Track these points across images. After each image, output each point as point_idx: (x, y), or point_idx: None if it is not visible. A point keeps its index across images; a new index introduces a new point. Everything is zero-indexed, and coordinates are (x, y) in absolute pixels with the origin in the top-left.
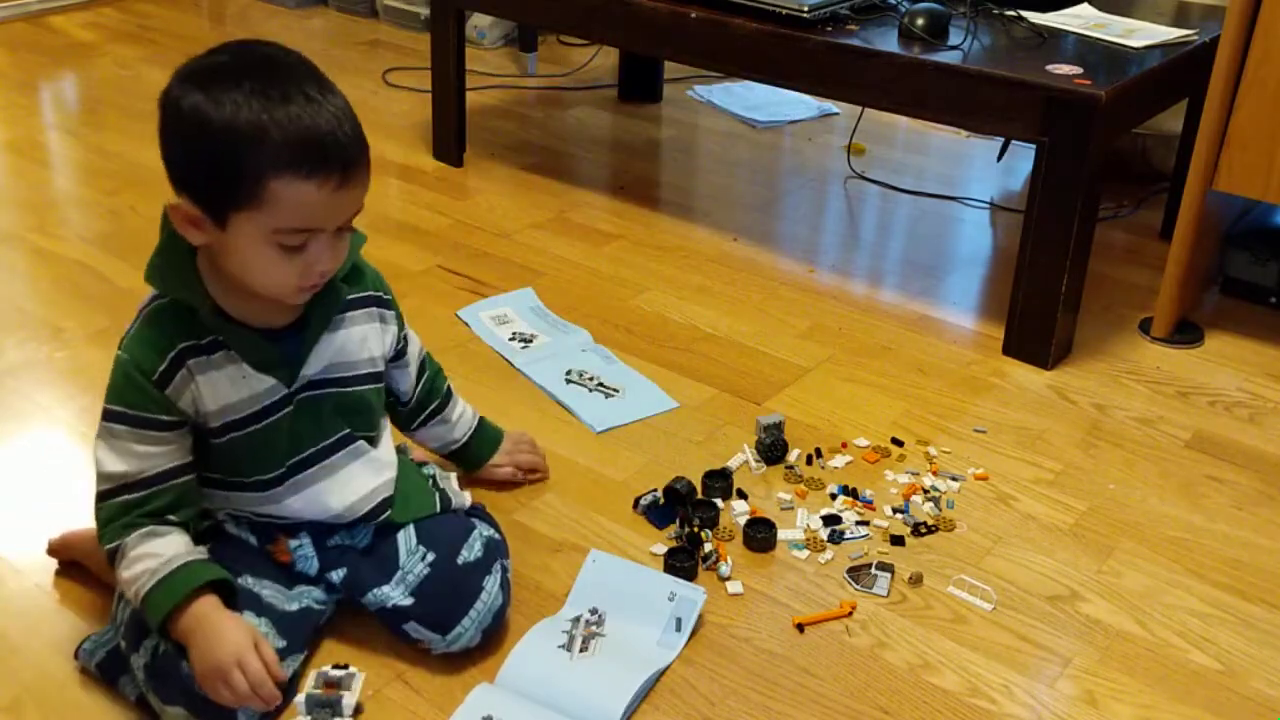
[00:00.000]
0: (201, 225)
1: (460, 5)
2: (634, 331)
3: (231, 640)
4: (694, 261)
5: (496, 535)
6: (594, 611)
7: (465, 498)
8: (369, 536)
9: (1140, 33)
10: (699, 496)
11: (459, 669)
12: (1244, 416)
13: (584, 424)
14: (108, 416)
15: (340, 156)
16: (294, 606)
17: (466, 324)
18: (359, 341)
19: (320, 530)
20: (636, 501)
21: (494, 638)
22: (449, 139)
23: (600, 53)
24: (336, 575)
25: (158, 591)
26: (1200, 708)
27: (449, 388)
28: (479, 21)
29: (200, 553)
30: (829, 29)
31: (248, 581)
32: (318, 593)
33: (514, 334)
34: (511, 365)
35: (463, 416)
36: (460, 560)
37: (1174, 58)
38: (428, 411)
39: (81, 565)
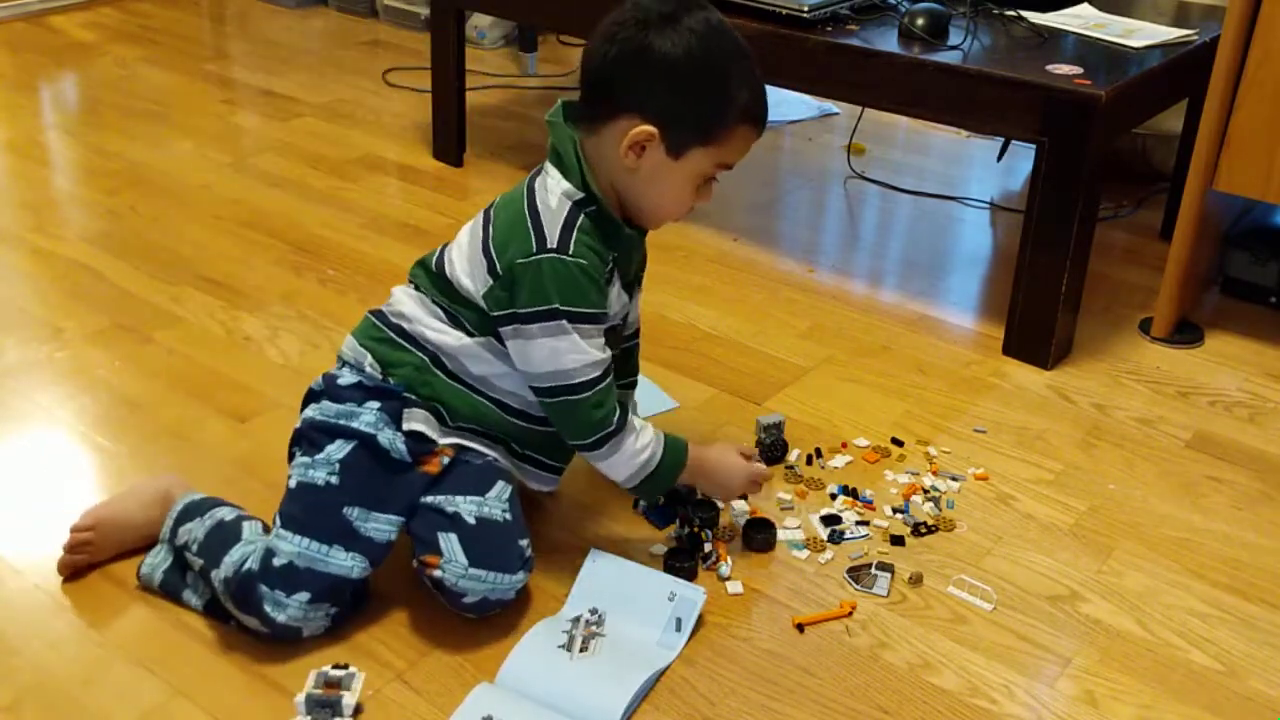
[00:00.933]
0: (646, 151)
1: (460, 5)
2: None
3: (736, 468)
4: (694, 261)
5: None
6: (594, 611)
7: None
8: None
9: (1140, 33)
10: (699, 496)
11: (459, 669)
12: (1244, 416)
13: None
14: (575, 319)
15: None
16: (392, 537)
17: None
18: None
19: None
20: (637, 501)
21: (489, 610)
22: (449, 139)
23: None
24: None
25: (665, 458)
26: (1200, 708)
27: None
28: (479, 21)
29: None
30: (829, 29)
31: (352, 514)
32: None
33: None
34: None
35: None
36: (523, 540)
37: (1174, 58)
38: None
39: (98, 564)
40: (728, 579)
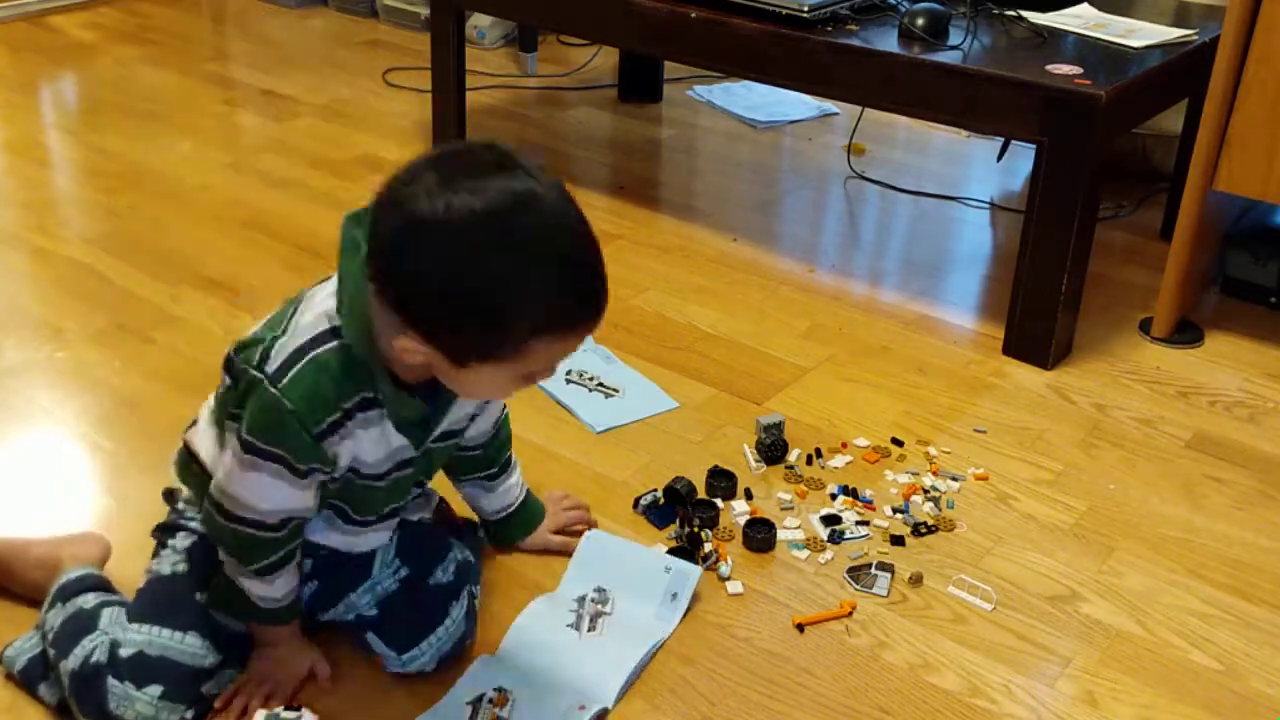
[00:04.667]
0: (429, 356)
1: (460, 5)
2: (634, 331)
3: (293, 670)
4: (694, 261)
5: (471, 559)
6: (600, 590)
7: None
8: None
9: (1140, 33)
10: (700, 495)
11: (459, 669)
12: (1244, 416)
13: (584, 424)
14: (259, 454)
15: (600, 303)
16: (243, 627)
17: None
18: (471, 401)
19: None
20: (636, 501)
21: (450, 665)
22: (449, 139)
23: (600, 53)
24: (307, 589)
25: (272, 615)
26: (1200, 708)
27: (508, 460)
28: (479, 21)
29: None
30: (829, 29)
31: (203, 599)
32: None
33: None
34: None
35: (506, 493)
36: (432, 581)
37: (1174, 58)
38: (478, 474)
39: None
40: (728, 579)
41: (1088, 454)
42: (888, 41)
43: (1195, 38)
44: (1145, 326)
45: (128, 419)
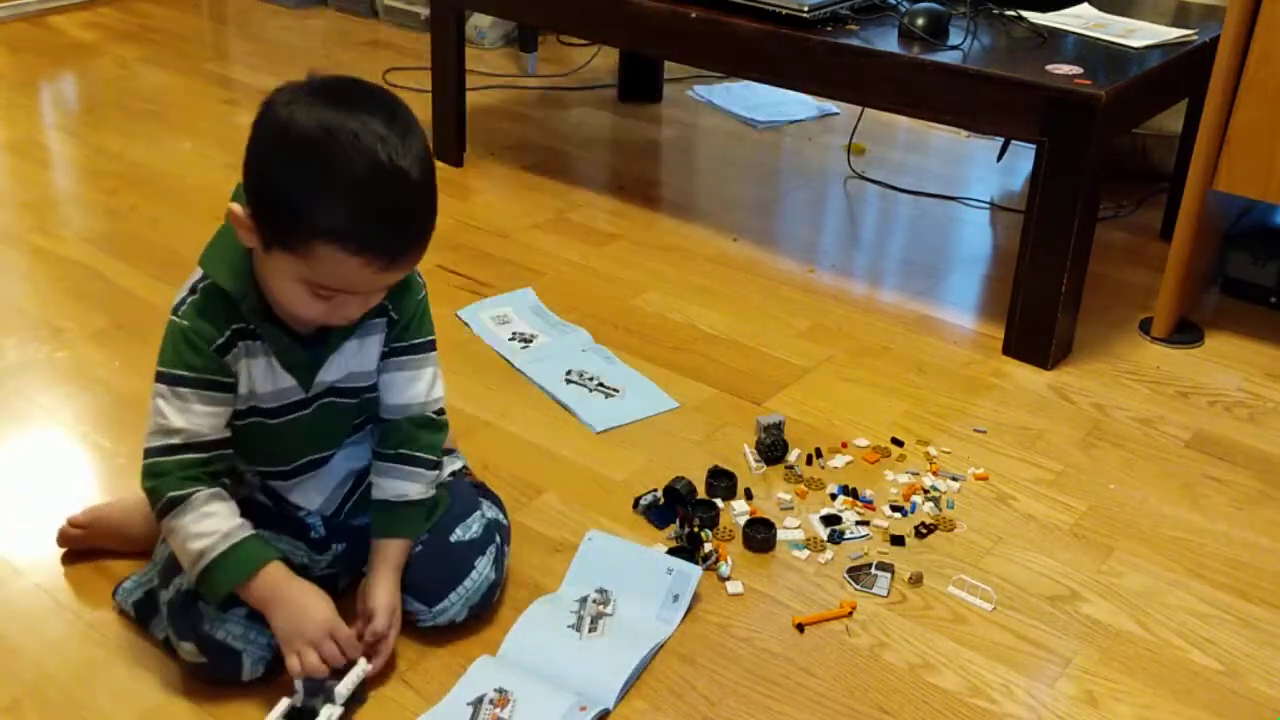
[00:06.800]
0: (251, 234)
1: (460, 5)
2: (634, 331)
3: (316, 620)
4: (694, 261)
5: (502, 520)
6: (601, 591)
7: (456, 463)
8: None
9: (1140, 33)
10: (700, 495)
11: (459, 669)
12: (1244, 416)
13: (584, 424)
14: (168, 380)
15: (396, 243)
16: (305, 562)
17: (467, 324)
18: (376, 350)
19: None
20: (636, 501)
21: (483, 616)
22: (449, 139)
23: (600, 53)
24: (338, 547)
25: (230, 556)
26: (1200, 708)
27: (407, 457)
28: (479, 21)
29: (251, 527)
30: (829, 29)
31: (264, 535)
32: (326, 558)
33: (514, 334)
34: (511, 365)
35: (381, 488)
36: (453, 539)
37: (1174, 58)
38: (385, 453)
39: (98, 550)
40: (728, 579)
41: (1088, 454)
42: (888, 41)
43: (1195, 38)
44: (1145, 326)
45: (128, 419)
